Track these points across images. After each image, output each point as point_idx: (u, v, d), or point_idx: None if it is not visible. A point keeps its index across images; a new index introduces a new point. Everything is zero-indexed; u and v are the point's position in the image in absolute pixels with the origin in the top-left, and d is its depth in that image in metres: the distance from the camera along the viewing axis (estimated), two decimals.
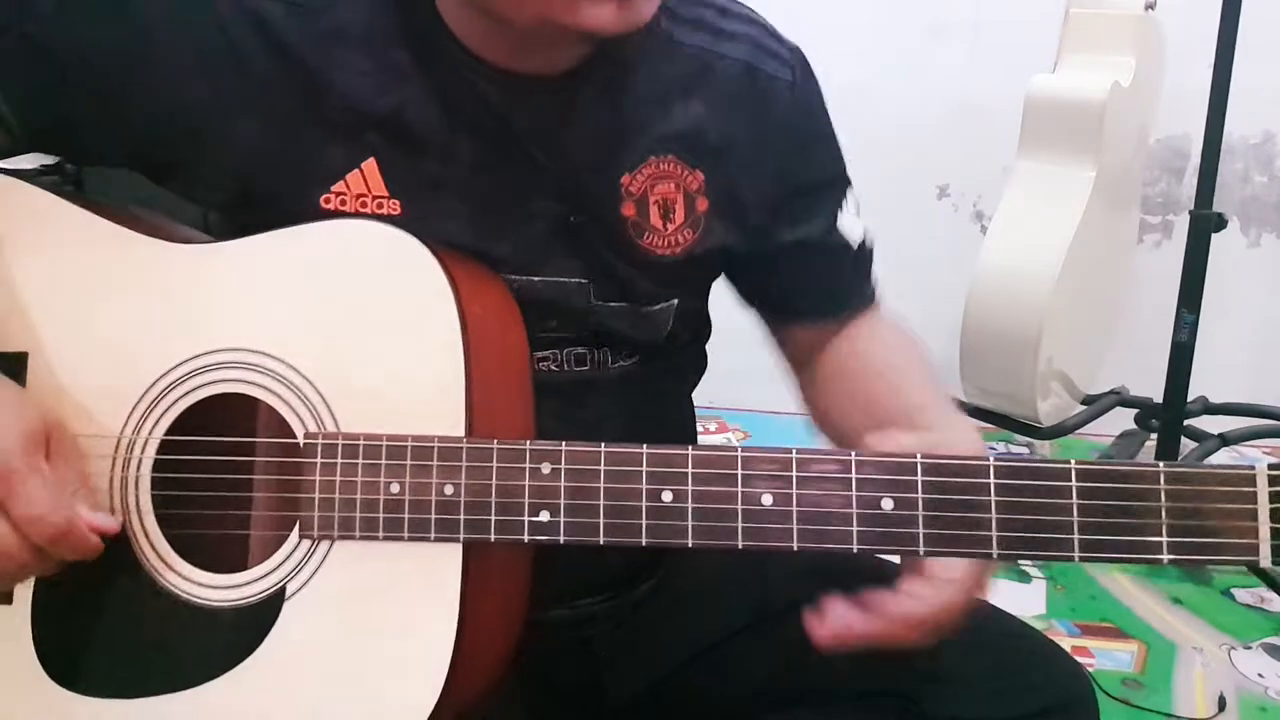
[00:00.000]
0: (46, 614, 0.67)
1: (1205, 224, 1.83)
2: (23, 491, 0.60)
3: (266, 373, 0.66)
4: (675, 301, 0.79)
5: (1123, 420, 2.14)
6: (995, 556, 0.56)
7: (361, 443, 0.63)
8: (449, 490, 0.62)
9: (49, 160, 0.85)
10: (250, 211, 0.71)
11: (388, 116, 0.71)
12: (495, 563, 0.66)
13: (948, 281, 2.01)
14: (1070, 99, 1.80)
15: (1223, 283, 1.96)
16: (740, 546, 0.59)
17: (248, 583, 0.65)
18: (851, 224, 0.84)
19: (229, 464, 0.67)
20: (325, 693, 0.64)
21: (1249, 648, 1.60)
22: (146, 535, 0.67)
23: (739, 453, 0.59)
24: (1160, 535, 0.53)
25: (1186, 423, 1.95)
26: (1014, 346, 1.81)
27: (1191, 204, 1.86)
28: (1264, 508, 0.52)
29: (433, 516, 0.62)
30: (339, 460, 0.64)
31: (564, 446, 0.61)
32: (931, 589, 0.60)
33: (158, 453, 0.67)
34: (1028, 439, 2.00)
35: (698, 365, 0.90)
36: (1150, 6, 1.81)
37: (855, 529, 0.57)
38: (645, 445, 0.60)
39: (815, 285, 0.84)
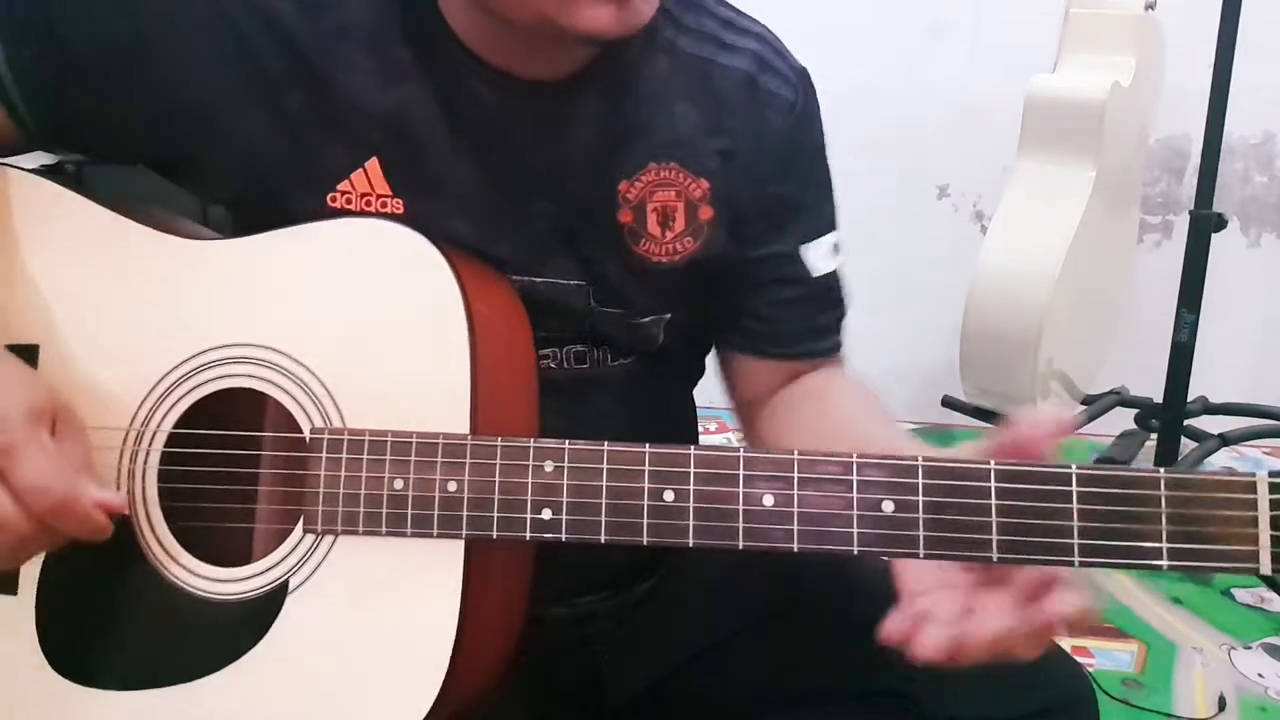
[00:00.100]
0: (50, 605, 0.67)
1: (1205, 224, 1.83)
2: (23, 461, 0.60)
3: (274, 368, 0.66)
4: (667, 316, 0.78)
5: (1123, 420, 2.14)
6: (995, 560, 0.56)
7: (367, 438, 0.64)
8: (452, 487, 0.62)
9: (49, 160, 0.85)
10: (259, 210, 0.72)
11: (390, 116, 0.71)
12: (497, 560, 0.66)
13: (948, 281, 2.02)
14: (1070, 99, 1.80)
15: (1223, 283, 1.97)
16: (741, 547, 0.59)
17: (251, 576, 0.66)
18: (819, 260, 0.80)
19: (235, 458, 0.67)
20: (326, 686, 0.64)
21: (1249, 648, 1.60)
22: (152, 527, 0.67)
23: (741, 453, 0.59)
24: (1160, 541, 0.53)
25: (1186, 423, 1.95)
26: (1014, 346, 1.81)
27: (1191, 204, 1.86)
28: (1264, 515, 0.52)
29: (435, 513, 0.62)
30: (344, 455, 0.64)
31: (567, 445, 0.61)
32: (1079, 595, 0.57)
33: (165, 446, 0.67)
34: None
35: (698, 365, 0.90)
36: (1150, 6, 1.81)
37: (856, 531, 0.57)
38: (648, 445, 0.60)
39: (767, 312, 0.81)
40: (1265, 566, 0.52)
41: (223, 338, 0.67)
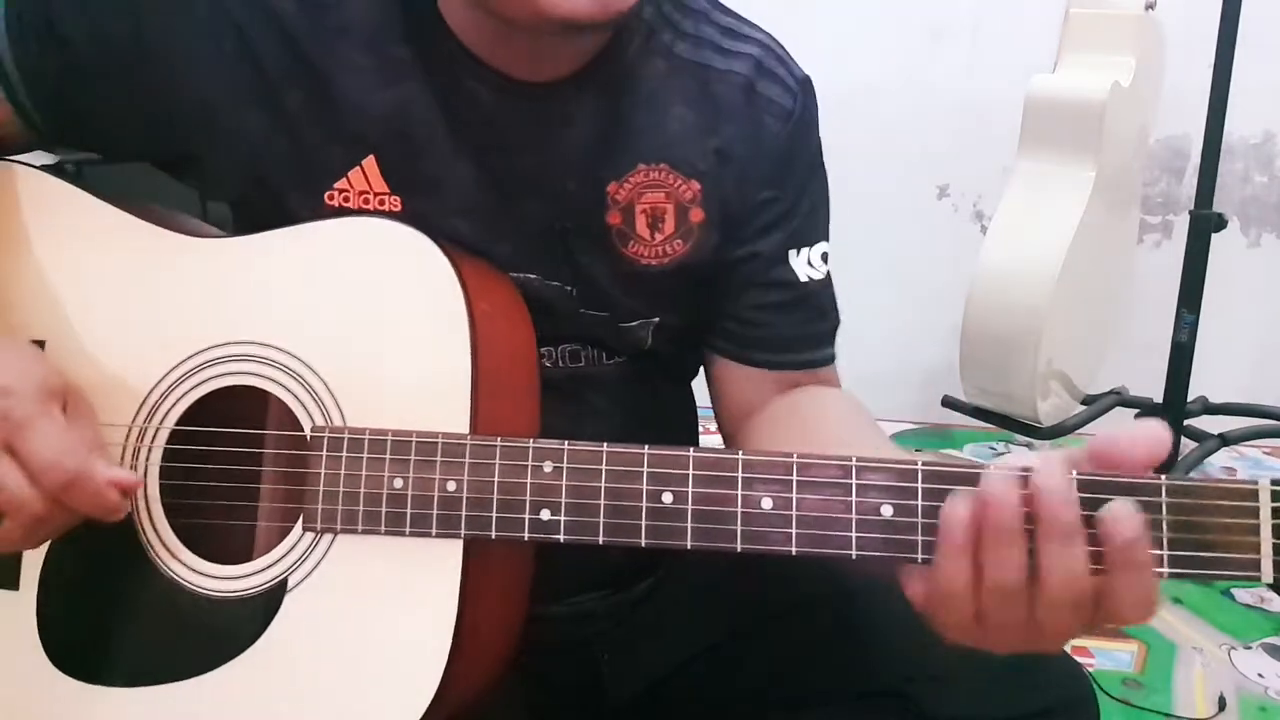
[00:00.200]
0: (51, 601, 0.68)
1: (1205, 224, 1.83)
2: (36, 436, 0.60)
3: (276, 366, 0.67)
4: (655, 320, 0.78)
5: (1123, 420, 2.14)
6: None
7: (367, 437, 0.64)
8: (451, 486, 0.62)
9: (50, 159, 0.86)
10: (260, 208, 0.72)
11: (388, 115, 0.71)
12: (496, 560, 0.66)
13: (948, 281, 2.02)
14: (1070, 99, 1.80)
15: (1223, 283, 1.97)
16: (739, 550, 0.58)
17: (251, 574, 0.66)
18: (807, 268, 0.79)
19: (237, 455, 0.67)
20: (325, 684, 0.64)
21: (1249, 648, 1.60)
22: (153, 524, 0.67)
23: (740, 455, 0.59)
24: (1161, 549, 0.52)
25: (1186, 423, 1.96)
26: (1014, 346, 1.81)
27: (1191, 204, 1.86)
28: (1266, 523, 0.51)
29: (434, 512, 0.62)
30: (344, 454, 0.64)
31: (566, 446, 0.61)
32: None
33: (168, 443, 0.68)
34: (1028, 439, 2.01)
35: (693, 363, 0.89)
36: (1150, 6, 1.82)
37: (854, 535, 0.57)
38: (646, 446, 0.60)
39: (751, 316, 0.79)
40: (1267, 575, 0.52)
41: (225, 335, 0.68)
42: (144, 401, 0.68)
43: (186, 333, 0.68)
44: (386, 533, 0.63)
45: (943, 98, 2.29)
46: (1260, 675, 1.53)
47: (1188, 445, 1.98)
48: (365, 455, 0.64)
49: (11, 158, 0.73)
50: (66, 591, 0.68)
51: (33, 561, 0.68)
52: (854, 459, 0.57)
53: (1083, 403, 2.07)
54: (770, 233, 0.78)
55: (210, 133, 0.71)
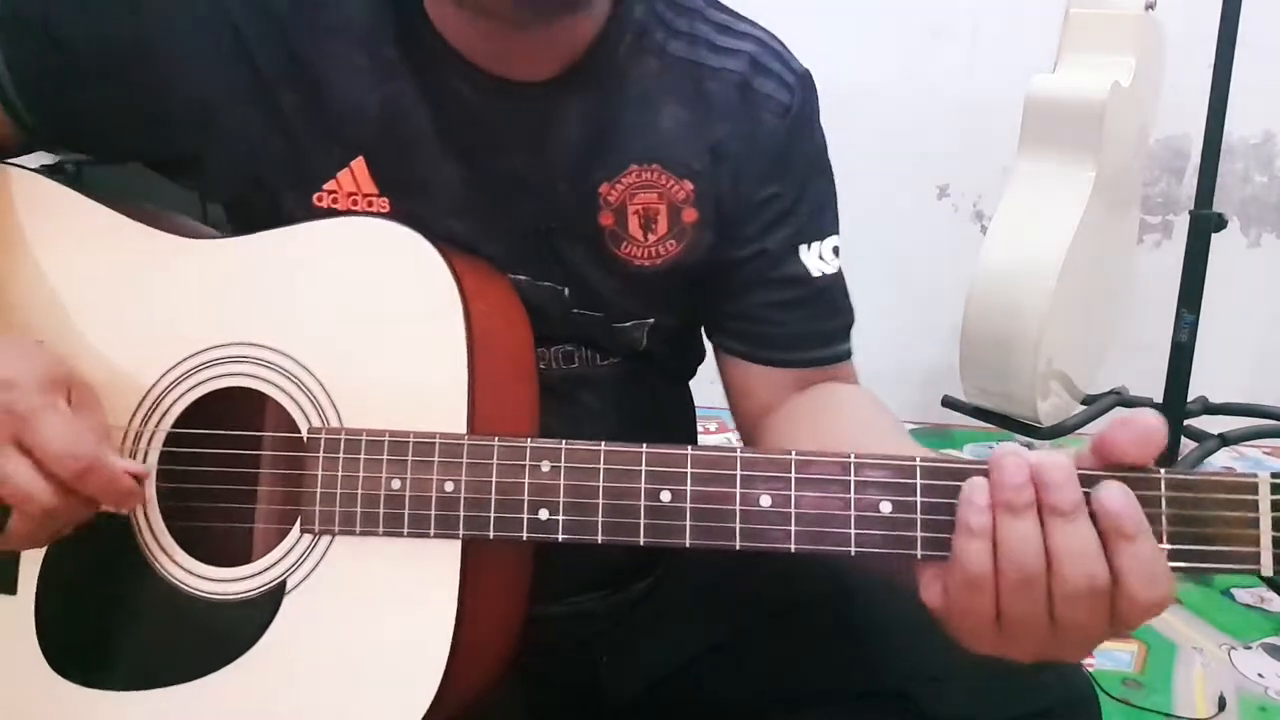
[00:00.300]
0: (50, 605, 0.68)
1: (1205, 224, 1.83)
2: (44, 428, 0.59)
3: (272, 367, 0.66)
4: (650, 321, 0.78)
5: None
6: None
7: (364, 438, 0.64)
8: (449, 487, 0.62)
9: (49, 160, 0.86)
10: (255, 209, 0.72)
11: (377, 115, 0.71)
12: (495, 560, 0.66)
13: (948, 281, 2.02)
14: (1070, 99, 1.80)
15: (1223, 283, 1.97)
16: (738, 547, 0.58)
17: (249, 576, 0.66)
18: (818, 263, 0.79)
19: (234, 457, 0.67)
20: (324, 686, 0.64)
21: (1249, 648, 1.60)
22: (150, 527, 0.67)
23: (738, 453, 0.59)
24: (1161, 543, 0.53)
25: (1186, 423, 1.95)
26: (1014, 346, 1.81)
27: (1191, 204, 1.86)
28: (1265, 516, 0.52)
29: (433, 513, 0.62)
30: (341, 455, 0.64)
31: (564, 445, 0.61)
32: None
33: (164, 445, 0.67)
34: (1028, 439, 2.00)
35: (690, 364, 0.89)
36: (1150, 6, 1.81)
37: (853, 531, 0.57)
38: (645, 445, 0.60)
39: (763, 314, 0.79)
40: (1267, 567, 0.52)
41: (221, 337, 0.68)
42: (140, 404, 0.68)
43: (182, 334, 0.68)
44: (384, 534, 0.63)
45: (943, 98, 2.29)
46: (1260, 675, 1.53)
47: (1188, 445, 1.97)
48: (362, 456, 0.63)
49: (6, 161, 0.73)
50: (65, 596, 0.68)
51: (30, 566, 0.68)
52: (852, 455, 0.57)
53: (1083, 403, 2.07)
54: (776, 229, 0.78)
55: (207, 132, 0.71)
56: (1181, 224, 2.04)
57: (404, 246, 0.67)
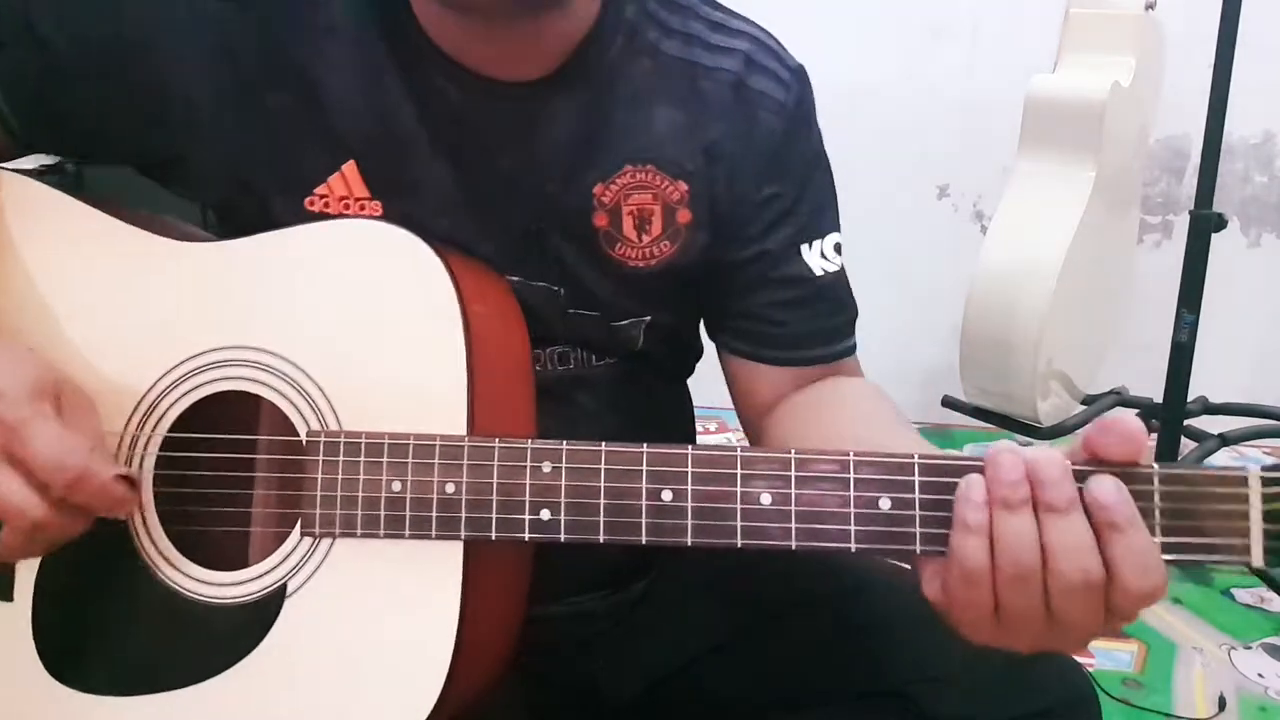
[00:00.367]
0: (47, 611, 0.67)
1: (1205, 224, 1.82)
2: (32, 439, 0.58)
3: (270, 370, 0.66)
4: (647, 319, 0.78)
5: None
6: None
7: (363, 440, 0.63)
8: (450, 489, 0.62)
9: (49, 160, 0.85)
10: (245, 213, 0.71)
11: (366, 117, 0.71)
12: (496, 560, 0.66)
13: (948, 281, 2.02)
14: (1070, 99, 1.80)
15: (1223, 283, 1.96)
16: (739, 546, 0.59)
17: (249, 580, 0.65)
18: (820, 261, 0.79)
19: (232, 461, 0.67)
20: (327, 689, 0.64)
21: (1249, 648, 1.60)
22: (148, 532, 0.67)
23: (739, 453, 0.59)
24: (1155, 536, 0.53)
25: (1186, 423, 1.95)
26: (1014, 346, 1.81)
27: (1191, 204, 1.86)
28: (1256, 509, 0.53)
29: (434, 515, 0.62)
30: (340, 458, 0.64)
31: (565, 446, 0.61)
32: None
33: (161, 450, 0.67)
34: (1028, 439, 2.00)
35: (687, 363, 0.89)
36: (1150, 6, 1.81)
37: (853, 528, 0.57)
38: (645, 445, 0.60)
39: (767, 314, 0.79)
40: (1257, 559, 0.53)
41: (217, 341, 0.67)
42: (135, 409, 0.67)
43: (177, 338, 0.68)
44: (386, 536, 0.63)
45: (943, 98, 2.29)
46: (1260, 675, 1.53)
47: (1188, 445, 1.97)
48: (362, 459, 0.63)
49: None
50: (62, 601, 0.67)
51: (27, 573, 0.67)
52: (851, 454, 0.58)
53: (1083, 403, 2.07)
54: (777, 229, 0.78)
55: (191, 134, 0.70)
56: (1181, 224, 2.04)
57: (401, 248, 0.66)
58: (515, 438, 0.63)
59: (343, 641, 0.64)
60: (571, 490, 0.61)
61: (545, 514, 0.61)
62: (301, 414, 0.65)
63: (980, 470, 0.55)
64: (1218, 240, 1.84)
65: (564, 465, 0.61)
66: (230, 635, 0.65)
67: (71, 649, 0.67)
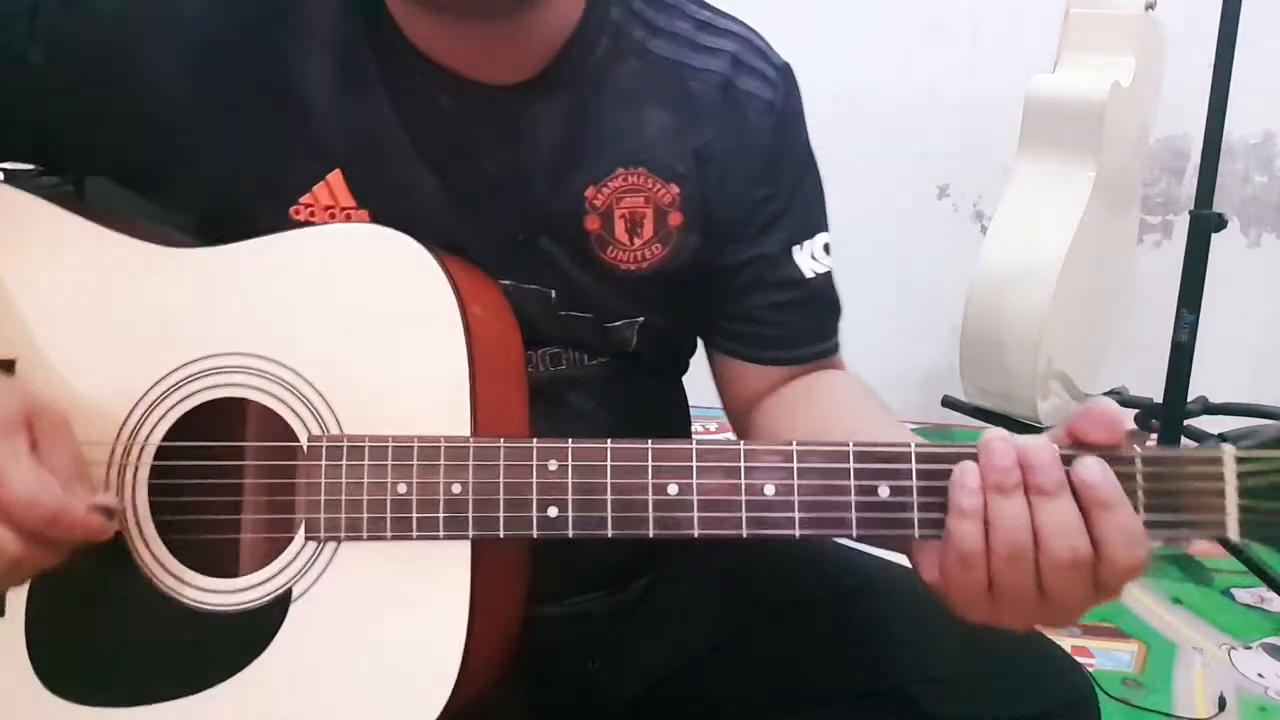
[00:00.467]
0: (41, 623, 0.66)
1: (1205, 224, 1.82)
2: (4, 479, 0.56)
3: (266, 376, 0.65)
4: (640, 320, 0.78)
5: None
6: None
7: (367, 444, 0.63)
8: (456, 489, 0.62)
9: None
10: (230, 223, 0.70)
11: (350, 124, 0.70)
12: (498, 560, 0.66)
13: (948, 281, 2.02)
14: (1070, 99, 1.81)
15: (1223, 283, 1.96)
16: (745, 535, 0.60)
17: (252, 586, 0.65)
18: (811, 262, 0.79)
19: (229, 468, 0.66)
20: (335, 692, 0.63)
21: (1249, 648, 1.60)
22: (145, 541, 0.66)
23: (741, 445, 0.60)
24: (1139, 513, 0.56)
25: (1186, 423, 1.95)
26: (1014, 346, 1.81)
27: (1191, 204, 1.86)
28: (1230, 485, 0.56)
29: (441, 515, 0.62)
30: (344, 462, 0.63)
31: (570, 444, 0.62)
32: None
33: (155, 459, 0.66)
34: None
35: (681, 362, 0.88)
36: (1150, 6, 1.82)
37: (854, 516, 0.59)
38: (650, 440, 0.61)
39: (762, 316, 0.79)
40: (1233, 531, 0.56)
41: (210, 348, 0.66)
42: (128, 417, 0.66)
43: (169, 346, 0.66)
44: (392, 538, 0.63)
45: (943, 98, 2.29)
46: (1260, 675, 1.53)
47: (1188, 445, 1.97)
48: (366, 463, 0.63)
49: None
50: (57, 614, 0.66)
51: (19, 587, 0.65)
52: (851, 444, 0.59)
53: (1082, 403, 2.07)
54: (772, 231, 0.78)
55: (177, 144, 0.70)
56: (1181, 224, 2.04)
57: (397, 251, 0.66)
58: (520, 438, 0.63)
59: (350, 644, 0.63)
60: (578, 487, 0.61)
61: (553, 511, 0.61)
62: (301, 419, 0.65)
63: (974, 457, 0.57)
64: (1218, 240, 1.84)
65: (570, 463, 0.61)
66: (234, 642, 0.64)
67: (69, 660, 0.66)
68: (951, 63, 2.30)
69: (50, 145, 0.73)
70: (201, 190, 0.72)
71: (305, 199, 0.71)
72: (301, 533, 0.64)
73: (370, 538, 0.63)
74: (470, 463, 0.62)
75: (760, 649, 0.82)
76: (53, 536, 0.59)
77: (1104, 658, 1.56)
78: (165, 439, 0.66)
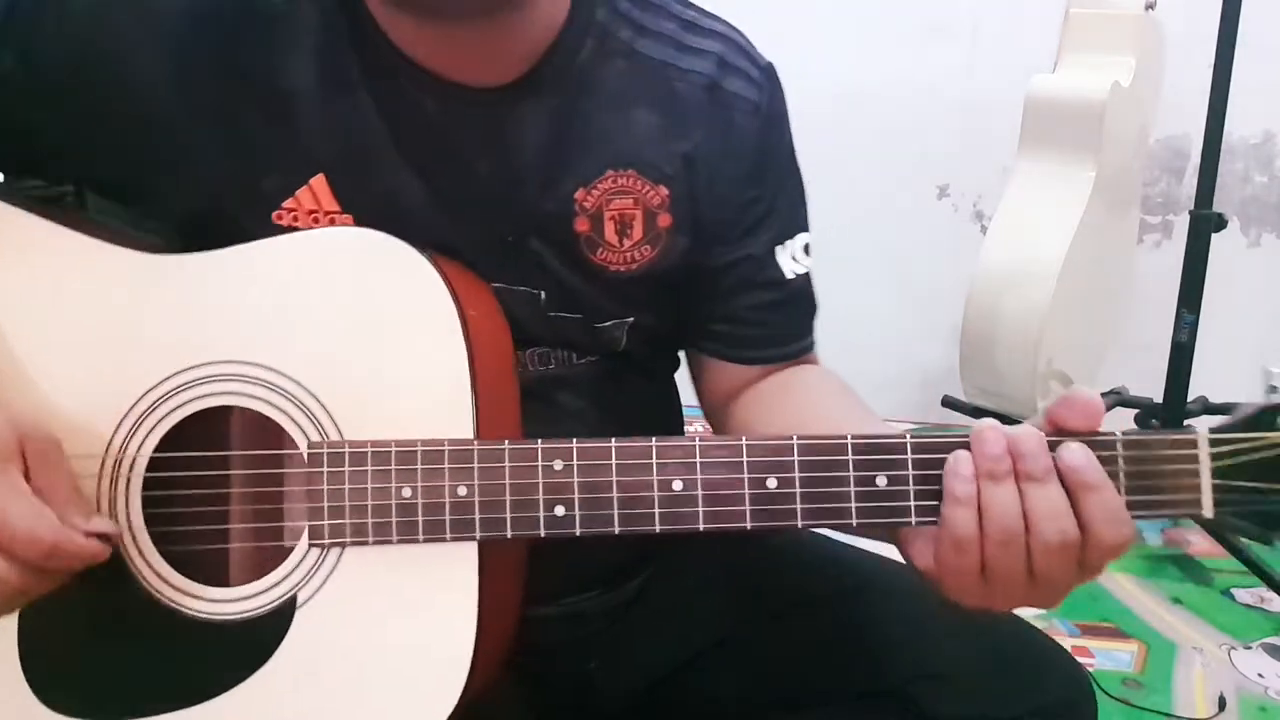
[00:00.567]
0: (35, 638, 0.65)
1: (1205, 224, 1.82)
2: (2, 515, 0.56)
3: (262, 384, 0.65)
4: (630, 320, 0.78)
5: (1123, 420, 2.14)
6: None
7: (369, 449, 0.63)
8: (462, 491, 0.62)
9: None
10: (205, 228, 0.69)
11: (333, 128, 0.70)
12: (501, 560, 0.66)
13: (948, 281, 2.02)
14: (1070, 99, 1.81)
15: (1223, 283, 1.96)
16: (749, 528, 0.61)
17: (255, 594, 0.64)
18: (792, 262, 0.80)
19: (225, 478, 0.65)
20: (342, 698, 0.63)
21: (1249, 648, 1.60)
22: (141, 552, 0.65)
23: (744, 441, 0.62)
24: (1121, 494, 0.59)
25: (1186, 423, 1.95)
26: (1014, 346, 1.81)
27: (1191, 204, 1.86)
28: (1205, 466, 0.60)
29: (448, 518, 0.62)
30: (347, 468, 0.63)
31: (575, 444, 0.62)
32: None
33: (148, 469, 0.65)
34: None
35: (671, 360, 0.88)
36: (1150, 6, 1.82)
37: (853, 505, 0.61)
38: (654, 438, 0.62)
39: (743, 316, 0.80)
40: (1208, 510, 0.60)
41: (201, 356, 0.65)
42: (117, 429, 0.65)
43: (158, 356, 0.65)
44: (399, 541, 0.63)
45: (943, 98, 2.29)
46: (1260, 675, 1.53)
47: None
48: (369, 467, 0.63)
49: None
50: (51, 627, 0.65)
51: None
52: (849, 437, 0.61)
53: None
54: (758, 232, 0.78)
55: (159, 151, 0.69)
56: (1181, 224, 2.04)
57: (391, 254, 0.65)
58: (524, 439, 0.63)
59: (357, 649, 0.63)
60: (584, 486, 0.62)
61: (560, 510, 0.62)
62: (299, 425, 0.64)
63: (966, 446, 0.59)
64: (1218, 240, 1.84)
65: (575, 462, 0.62)
66: (239, 650, 0.63)
67: (62, 674, 0.65)
68: (951, 63, 2.29)
69: (30, 153, 0.71)
70: (183, 196, 0.71)
71: (288, 204, 0.70)
72: (305, 539, 0.64)
73: (376, 542, 0.63)
74: (475, 465, 0.62)
75: (759, 648, 0.82)
76: (51, 567, 0.59)
77: (1104, 658, 1.56)
78: (158, 450, 0.65)
